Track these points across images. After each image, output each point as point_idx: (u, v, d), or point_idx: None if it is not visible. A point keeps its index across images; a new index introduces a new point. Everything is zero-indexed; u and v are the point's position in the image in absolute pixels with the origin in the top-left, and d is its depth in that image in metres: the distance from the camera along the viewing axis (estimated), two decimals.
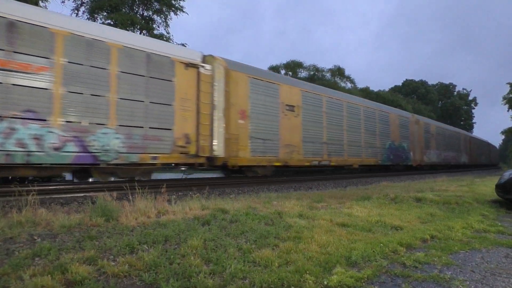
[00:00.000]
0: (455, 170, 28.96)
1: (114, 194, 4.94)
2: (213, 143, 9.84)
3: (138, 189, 5.38)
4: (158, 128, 8.69)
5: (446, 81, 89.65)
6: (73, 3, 20.71)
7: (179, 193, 7.62)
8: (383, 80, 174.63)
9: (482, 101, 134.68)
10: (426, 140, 23.67)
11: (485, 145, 44.05)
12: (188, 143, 9.33)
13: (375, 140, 17.65)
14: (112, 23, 18.66)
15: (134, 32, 18.88)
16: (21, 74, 6.67)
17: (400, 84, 65.04)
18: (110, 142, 7.75)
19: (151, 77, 8.61)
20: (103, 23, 18.60)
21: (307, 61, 70.64)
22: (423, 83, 65.47)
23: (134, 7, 21.56)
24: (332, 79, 38.61)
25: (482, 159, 40.62)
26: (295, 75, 36.63)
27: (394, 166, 20.27)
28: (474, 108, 73.08)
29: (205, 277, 2.58)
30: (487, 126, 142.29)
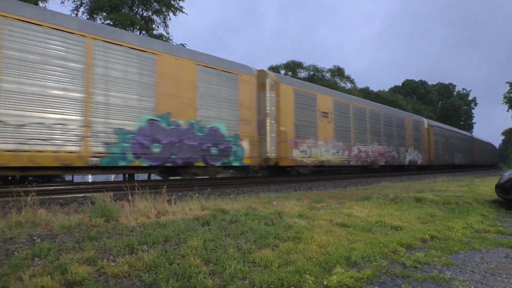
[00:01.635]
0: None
1: (111, 194, 4.94)
2: None
3: (138, 189, 5.38)
4: None
5: (449, 80, 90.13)
6: (73, 3, 20.71)
7: (179, 193, 7.62)
8: (385, 79, 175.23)
9: (485, 101, 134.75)
10: (305, 122, 13.30)
11: (463, 139, 32.08)
12: None
13: (78, 106, 7.66)
14: (111, 23, 18.65)
15: (133, 32, 18.89)
16: None
17: (400, 84, 65.10)
18: None
19: None
20: (102, 23, 18.60)
21: (310, 59, 70.89)
22: (423, 83, 65.47)
23: (134, 8, 21.56)
24: (332, 79, 38.59)
25: (458, 158, 29.27)
26: (295, 75, 36.61)
27: (187, 169, 9.90)
28: (474, 108, 73.17)
29: (205, 277, 2.58)
30: (489, 127, 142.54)
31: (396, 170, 20.90)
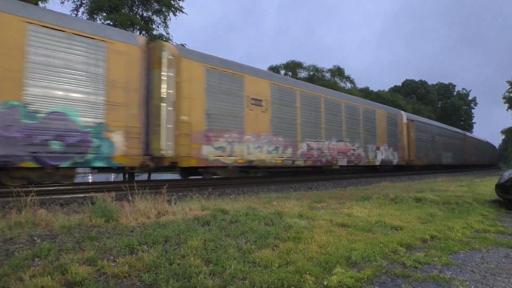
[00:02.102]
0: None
1: (113, 194, 4.95)
2: None
3: (138, 189, 5.38)
4: None
5: (449, 80, 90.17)
6: (73, 3, 20.74)
7: (179, 194, 7.62)
8: (385, 79, 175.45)
9: (485, 101, 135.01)
10: (223, 111, 10.46)
11: (453, 137, 28.89)
12: None
13: None
14: (111, 23, 18.67)
15: (133, 32, 18.91)
16: None
17: (400, 84, 65.16)
18: None
19: None
20: (102, 23, 18.62)
21: (310, 59, 71.00)
22: (422, 83, 65.54)
23: (134, 8, 21.58)
24: (332, 79, 38.64)
25: (447, 157, 26.39)
26: (295, 75, 36.66)
27: (9, 172, 7.01)
28: (473, 108, 73.23)
29: (205, 277, 2.58)
30: (489, 126, 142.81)
31: (364, 171, 17.86)
